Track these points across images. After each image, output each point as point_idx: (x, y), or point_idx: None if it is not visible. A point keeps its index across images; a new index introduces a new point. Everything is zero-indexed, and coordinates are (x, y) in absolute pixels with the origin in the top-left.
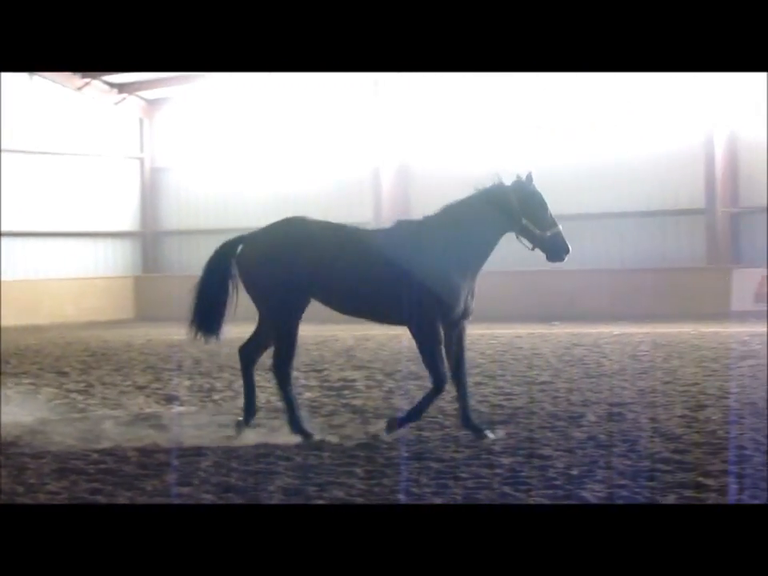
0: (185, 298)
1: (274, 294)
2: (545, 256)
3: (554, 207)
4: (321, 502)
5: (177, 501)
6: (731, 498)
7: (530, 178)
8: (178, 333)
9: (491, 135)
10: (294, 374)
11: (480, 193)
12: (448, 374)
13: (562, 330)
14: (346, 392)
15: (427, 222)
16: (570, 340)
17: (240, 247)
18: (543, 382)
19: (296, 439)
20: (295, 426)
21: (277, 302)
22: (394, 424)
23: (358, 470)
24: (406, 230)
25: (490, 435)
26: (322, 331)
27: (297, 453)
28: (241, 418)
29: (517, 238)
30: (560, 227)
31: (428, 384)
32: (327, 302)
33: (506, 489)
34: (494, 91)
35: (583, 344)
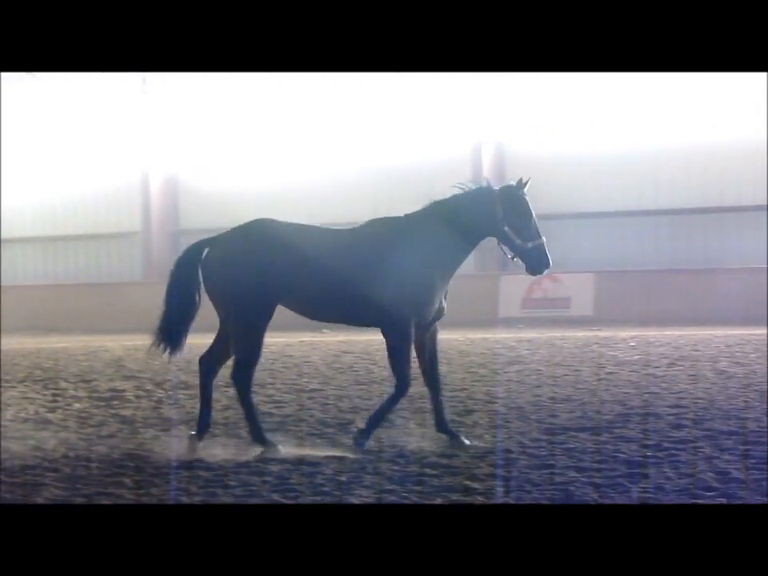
0: None
1: (241, 299)
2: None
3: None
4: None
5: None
6: (497, 500)
7: (520, 183)
8: None
9: (265, 148)
10: (62, 384)
11: (465, 194)
12: (417, 377)
13: (332, 338)
14: (115, 402)
15: (406, 220)
16: (340, 347)
17: (205, 251)
18: (313, 390)
19: (63, 450)
20: (257, 436)
21: (244, 308)
22: (364, 435)
23: (127, 480)
24: (382, 229)
25: (466, 441)
26: (90, 342)
27: (65, 464)
28: (193, 432)
29: (498, 245)
30: (543, 239)
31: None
32: (298, 307)
33: (275, 496)
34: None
35: (353, 351)
